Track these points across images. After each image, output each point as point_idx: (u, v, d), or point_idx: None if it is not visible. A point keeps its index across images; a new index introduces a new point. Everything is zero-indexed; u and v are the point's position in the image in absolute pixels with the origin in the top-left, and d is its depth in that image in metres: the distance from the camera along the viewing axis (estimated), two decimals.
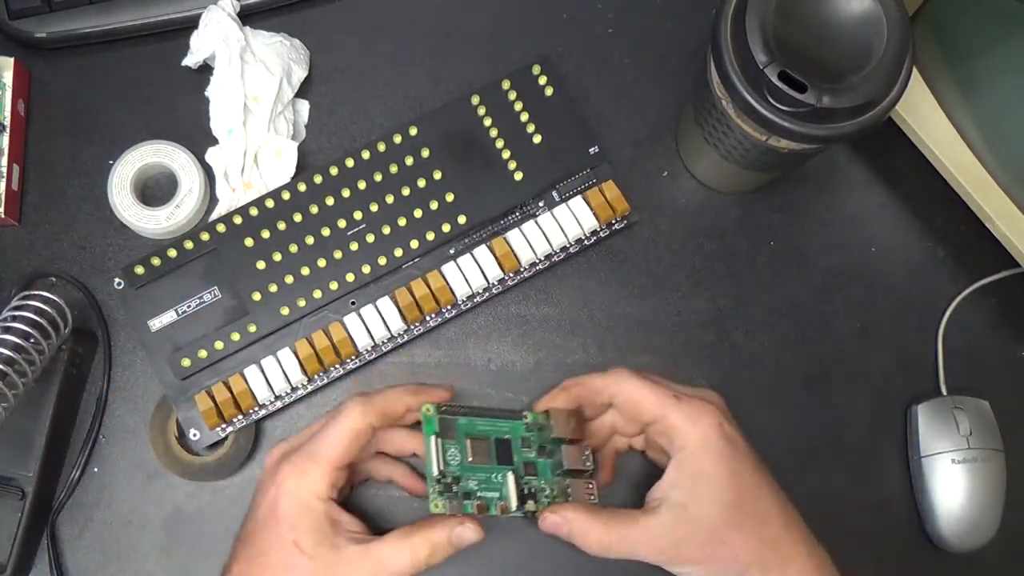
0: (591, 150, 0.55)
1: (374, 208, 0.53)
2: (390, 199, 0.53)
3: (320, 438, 0.44)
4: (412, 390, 0.47)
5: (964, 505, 0.52)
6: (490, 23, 0.59)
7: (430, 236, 0.53)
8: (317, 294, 0.52)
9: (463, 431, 0.46)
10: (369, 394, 0.47)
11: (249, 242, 0.52)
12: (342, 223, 0.53)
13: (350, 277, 0.52)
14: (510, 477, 0.46)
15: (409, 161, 0.54)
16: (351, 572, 0.42)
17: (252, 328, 0.52)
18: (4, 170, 0.53)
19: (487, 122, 0.55)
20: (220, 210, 0.54)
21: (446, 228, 0.53)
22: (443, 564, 0.52)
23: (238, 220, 0.53)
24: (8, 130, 0.54)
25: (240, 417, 0.52)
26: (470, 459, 0.45)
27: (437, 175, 0.54)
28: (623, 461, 0.53)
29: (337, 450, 0.44)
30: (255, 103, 0.54)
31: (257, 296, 0.52)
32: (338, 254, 0.53)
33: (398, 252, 0.53)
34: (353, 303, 0.53)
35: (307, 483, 0.43)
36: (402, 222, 0.53)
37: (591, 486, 0.47)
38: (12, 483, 0.50)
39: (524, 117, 0.55)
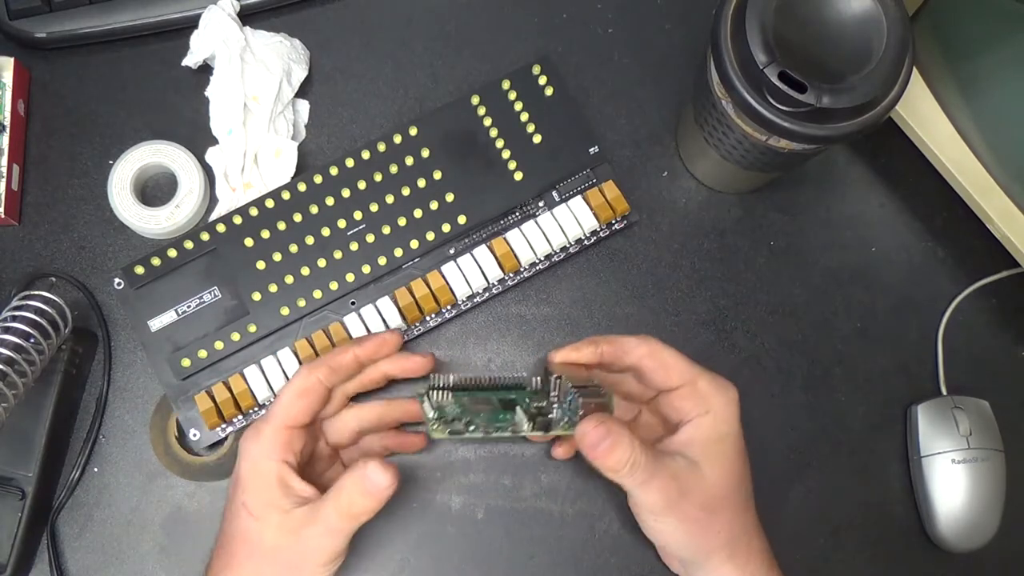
0: (591, 150, 0.55)
1: (374, 208, 0.53)
2: (390, 199, 0.53)
3: (274, 402, 0.45)
4: (355, 341, 0.48)
5: (964, 505, 0.52)
6: (490, 23, 0.59)
7: (430, 236, 0.53)
8: (317, 294, 0.52)
9: (461, 397, 0.45)
10: (317, 358, 0.48)
11: (249, 242, 0.52)
12: (342, 223, 0.53)
13: (350, 277, 0.52)
14: (518, 410, 0.45)
15: (409, 161, 0.54)
16: (300, 533, 0.42)
17: (252, 328, 0.52)
18: (4, 170, 0.53)
19: (487, 122, 0.55)
20: (220, 210, 0.54)
21: (446, 228, 0.53)
22: (441, 563, 0.52)
23: (238, 220, 0.53)
24: (8, 130, 0.54)
25: (240, 417, 0.52)
26: (472, 408, 0.44)
27: (437, 175, 0.54)
28: None
29: (287, 409, 0.45)
30: (255, 103, 0.54)
31: (257, 296, 0.52)
32: (338, 254, 0.53)
33: (398, 252, 0.53)
34: (353, 303, 0.53)
35: (260, 444, 0.44)
36: (402, 222, 0.53)
37: (603, 390, 0.45)
38: (12, 483, 0.50)
39: (524, 117, 0.55)
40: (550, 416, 0.44)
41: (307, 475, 0.45)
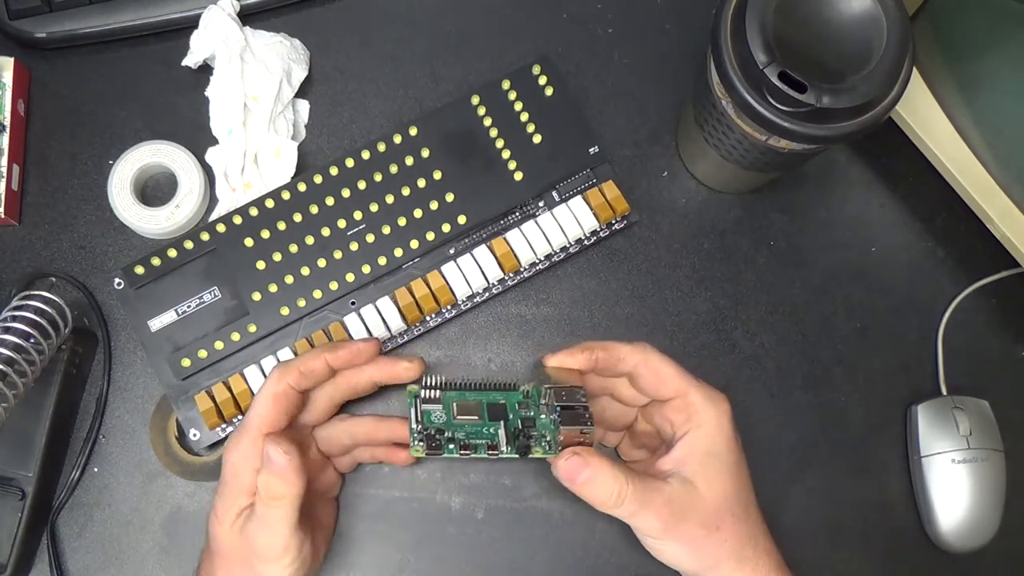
0: (591, 150, 0.55)
1: (374, 208, 0.53)
2: (390, 199, 0.53)
3: (248, 410, 0.45)
4: (329, 347, 0.47)
5: (964, 505, 0.52)
6: (490, 23, 0.59)
7: (430, 236, 0.53)
8: (317, 294, 0.52)
9: (450, 399, 0.45)
10: (289, 360, 0.48)
11: (249, 242, 0.52)
12: (342, 223, 0.53)
13: (350, 277, 0.52)
14: (502, 427, 0.45)
15: (409, 161, 0.54)
16: (244, 531, 0.43)
17: (252, 328, 0.52)
18: (4, 170, 0.53)
19: (487, 122, 0.55)
20: (220, 210, 0.54)
21: (446, 228, 0.53)
22: (441, 563, 0.52)
23: (238, 220, 0.53)
24: (8, 130, 0.54)
25: (240, 417, 0.52)
26: (456, 417, 0.45)
27: (437, 175, 0.54)
28: None
29: (261, 416, 0.44)
30: (255, 103, 0.54)
31: (257, 296, 0.52)
32: (338, 254, 0.53)
33: (398, 252, 0.53)
34: (353, 303, 0.53)
35: (239, 451, 0.44)
36: (402, 222, 0.53)
37: (587, 415, 0.44)
38: (12, 483, 0.50)
39: (524, 117, 0.55)
40: (529, 441, 0.44)
41: None
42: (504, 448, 0.44)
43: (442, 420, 0.45)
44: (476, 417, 0.45)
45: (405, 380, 0.48)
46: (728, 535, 0.44)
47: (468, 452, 0.44)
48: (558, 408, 0.44)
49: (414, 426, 0.44)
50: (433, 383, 0.45)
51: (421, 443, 0.44)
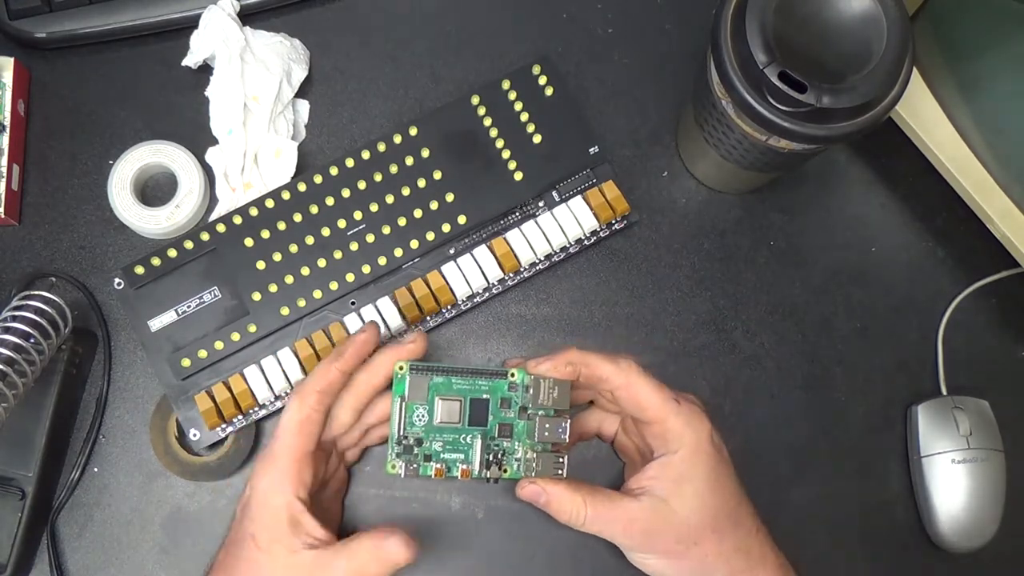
0: (591, 150, 0.55)
1: (374, 208, 0.53)
2: (390, 199, 0.53)
3: (275, 437, 0.45)
4: (334, 355, 0.46)
5: (964, 505, 0.53)
6: (490, 23, 0.59)
7: (430, 236, 0.53)
8: (317, 294, 0.52)
9: (435, 390, 0.46)
10: (302, 382, 0.47)
11: (249, 242, 0.52)
12: (342, 223, 0.53)
13: (350, 277, 0.52)
14: (478, 441, 0.46)
15: (409, 161, 0.54)
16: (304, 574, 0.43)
17: (252, 328, 0.52)
18: (4, 170, 0.53)
19: (487, 122, 0.55)
20: (220, 210, 0.54)
21: (446, 228, 0.53)
22: (441, 563, 0.52)
23: (238, 220, 0.53)
24: (8, 130, 0.54)
25: (240, 417, 0.52)
26: (438, 420, 0.45)
27: (437, 175, 0.54)
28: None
29: (289, 444, 0.44)
30: (255, 103, 0.54)
31: (257, 296, 0.52)
32: (338, 254, 0.53)
33: (398, 252, 0.53)
34: (353, 303, 0.53)
35: (269, 478, 0.44)
36: (402, 222, 0.53)
37: (561, 460, 0.46)
38: (12, 483, 0.50)
39: (524, 117, 0.55)
40: (501, 463, 0.46)
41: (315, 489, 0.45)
42: (475, 473, 0.46)
43: (423, 422, 0.45)
44: (456, 421, 0.46)
45: (416, 357, 0.48)
46: (709, 550, 0.45)
47: (441, 476, 0.46)
48: (539, 448, 0.46)
49: (395, 434, 0.45)
50: (422, 366, 0.46)
51: (400, 460, 0.45)
